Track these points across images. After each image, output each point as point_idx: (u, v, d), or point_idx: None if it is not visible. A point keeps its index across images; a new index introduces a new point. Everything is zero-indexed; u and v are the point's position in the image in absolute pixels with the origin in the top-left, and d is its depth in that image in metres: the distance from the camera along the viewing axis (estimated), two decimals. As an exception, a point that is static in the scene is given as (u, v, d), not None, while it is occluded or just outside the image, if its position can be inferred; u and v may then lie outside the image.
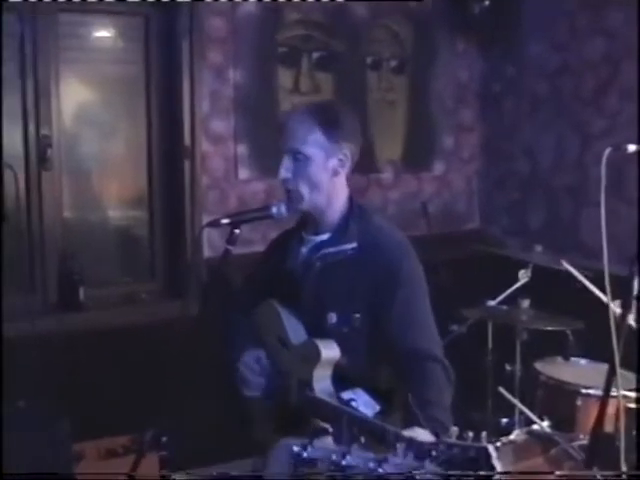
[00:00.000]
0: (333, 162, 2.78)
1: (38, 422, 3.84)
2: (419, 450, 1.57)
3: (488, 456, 1.59)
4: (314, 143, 2.75)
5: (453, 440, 1.63)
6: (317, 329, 2.77)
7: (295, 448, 1.43)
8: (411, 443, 1.58)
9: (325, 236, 2.85)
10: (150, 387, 4.09)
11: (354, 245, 2.77)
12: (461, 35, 5.55)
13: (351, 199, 2.87)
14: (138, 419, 2.90)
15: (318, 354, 2.66)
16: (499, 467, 1.57)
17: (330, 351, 2.67)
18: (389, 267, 2.71)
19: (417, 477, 1.41)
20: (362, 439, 1.49)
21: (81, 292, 4.47)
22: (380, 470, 1.41)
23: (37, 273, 4.50)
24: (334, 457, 1.42)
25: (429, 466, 1.42)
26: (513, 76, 5.49)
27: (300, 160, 2.74)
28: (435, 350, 2.68)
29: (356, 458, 1.42)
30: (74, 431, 3.88)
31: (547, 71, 5.24)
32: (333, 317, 2.74)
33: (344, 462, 1.42)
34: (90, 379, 4.30)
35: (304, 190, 2.76)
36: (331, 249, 2.80)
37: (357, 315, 2.72)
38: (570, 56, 5.08)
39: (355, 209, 2.86)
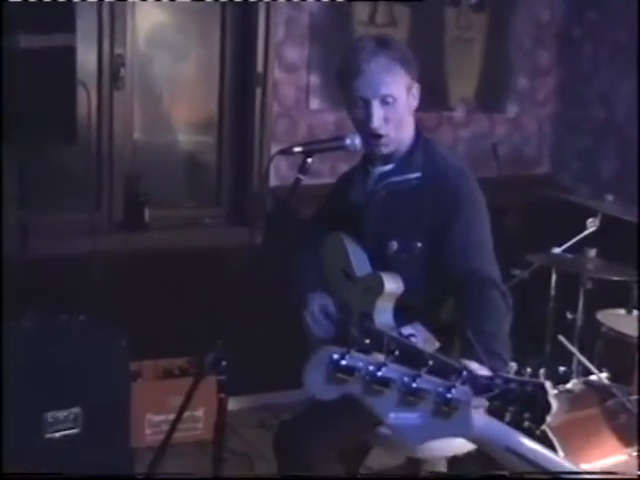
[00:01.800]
0: (410, 98, 2.77)
1: (98, 337, 3.91)
2: (476, 383, 1.58)
3: (545, 392, 1.59)
4: (400, 83, 2.74)
5: (510, 375, 1.63)
6: (379, 258, 2.80)
7: (335, 355, 1.47)
8: (469, 376, 1.59)
9: (390, 166, 2.85)
10: (210, 312, 4.13)
11: (418, 175, 2.79)
12: (545, -26, 5.43)
13: (418, 131, 2.86)
14: (195, 342, 2.93)
15: (382, 286, 2.66)
16: (555, 405, 1.57)
17: (394, 284, 2.68)
18: (450, 193, 2.73)
19: (448, 395, 1.43)
20: (397, 352, 1.53)
21: (146, 213, 4.50)
22: (414, 385, 1.45)
23: (104, 191, 4.53)
24: (371, 368, 1.47)
25: (460, 386, 1.46)
26: (594, 20, 5.36)
27: (389, 103, 2.73)
28: (493, 275, 2.68)
29: (392, 371, 1.47)
30: (133, 349, 3.94)
31: (629, 18, 5.10)
32: (394, 245, 2.75)
33: (380, 373, 1.46)
34: (151, 299, 4.35)
35: (393, 132, 2.76)
36: (395, 178, 2.82)
37: (418, 243, 2.73)
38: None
39: (421, 141, 2.85)
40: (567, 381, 3.58)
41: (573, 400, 3.38)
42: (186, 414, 2.89)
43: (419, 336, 2.52)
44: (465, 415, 1.45)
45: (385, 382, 1.46)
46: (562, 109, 5.60)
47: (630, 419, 3.19)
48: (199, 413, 4.21)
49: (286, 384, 4.50)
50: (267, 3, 4.58)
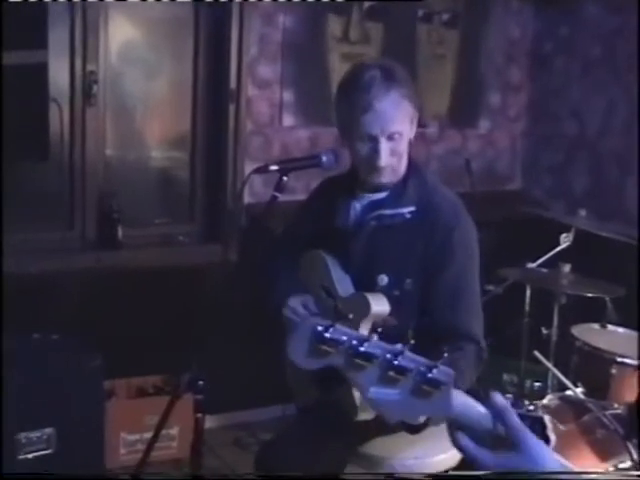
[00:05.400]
0: (412, 128, 2.79)
1: (70, 356, 3.87)
2: None
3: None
4: (406, 119, 2.74)
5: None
6: (365, 289, 2.74)
7: (319, 327, 1.46)
8: None
9: (382, 194, 2.82)
10: (183, 329, 4.10)
11: (412, 209, 2.76)
12: (515, -9, 5.46)
13: (410, 158, 2.84)
14: (168, 360, 2.90)
15: (368, 307, 2.63)
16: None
17: (380, 306, 2.65)
18: (444, 231, 2.73)
19: (429, 375, 1.41)
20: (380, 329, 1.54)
21: (119, 231, 4.46)
22: (396, 362, 1.43)
23: (77, 209, 4.49)
24: (354, 342, 1.45)
25: (442, 367, 1.43)
26: (566, 36, 5.38)
27: (395, 139, 2.71)
28: (474, 329, 2.71)
29: (375, 347, 1.45)
30: (106, 368, 3.91)
31: (601, 33, 5.13)
32: (384, 279, 2.73)
33: (362, 348, 1.45)
34: (124, 318, 4.31)
35: (396, 164, 2.75)
36: (388, 211, 2.78)
37: (409, 279, 2.70)
38: (625, 18, 4.98)
39: (413, 168, 2.84)
40: (543, 396, 3.58)
41: (549, 416, 3.37)
42: (161, 433, 2.87)
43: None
44: (445, 396, 1.43)
45: (367, 357, 1.45)
46: (534, 125, 5.63)
47: (606, 434, 3.18)
48: (174, 432, 4.17)
49: (261, 401, 4.51)
50: (240, 19, 4.57)
